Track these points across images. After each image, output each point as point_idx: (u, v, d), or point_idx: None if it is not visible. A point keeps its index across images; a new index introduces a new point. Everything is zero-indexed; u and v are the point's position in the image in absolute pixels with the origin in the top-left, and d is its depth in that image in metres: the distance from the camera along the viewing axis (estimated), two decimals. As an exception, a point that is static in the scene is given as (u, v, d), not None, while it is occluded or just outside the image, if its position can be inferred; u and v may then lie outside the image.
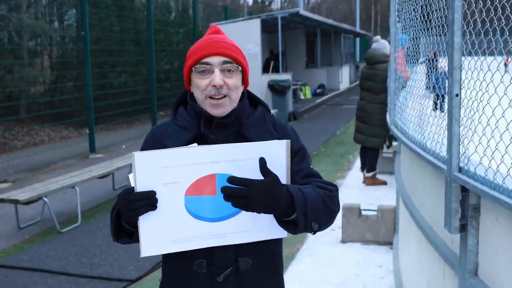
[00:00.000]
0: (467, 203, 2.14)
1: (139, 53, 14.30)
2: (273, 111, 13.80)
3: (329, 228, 5.81)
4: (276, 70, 16.41)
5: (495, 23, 1.99)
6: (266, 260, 1.82)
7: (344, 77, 25.34)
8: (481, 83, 2.10)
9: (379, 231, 5.34)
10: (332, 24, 21.99)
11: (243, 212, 1.61)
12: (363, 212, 5.48)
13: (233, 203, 1.52)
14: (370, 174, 7.64)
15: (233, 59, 1.75)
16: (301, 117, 16.01)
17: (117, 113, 12.78)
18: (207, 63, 1.72)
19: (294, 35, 22.37)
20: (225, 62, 1.73)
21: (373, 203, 6.57)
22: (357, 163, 9.07)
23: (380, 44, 7.51)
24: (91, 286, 4.60)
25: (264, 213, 1.56)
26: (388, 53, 7.11)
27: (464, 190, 2.15)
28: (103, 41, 13.47)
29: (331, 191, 1.72)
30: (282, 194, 1.55)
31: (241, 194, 1.51)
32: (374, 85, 7.38)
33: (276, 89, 15.00)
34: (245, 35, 15.57)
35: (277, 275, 1.88)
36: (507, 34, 1.92)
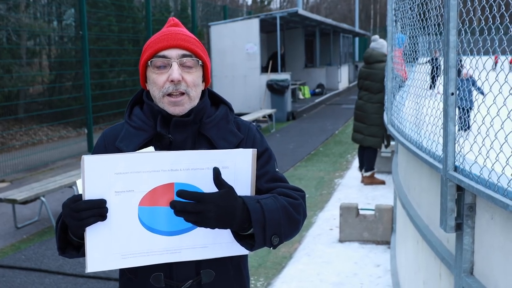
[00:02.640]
0: (463, 202, 2.14)
1: (138, 52, 14.28)
2: (271, 111, 13.80)
3: (327, 227, 5.80)
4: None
5: (489, 21, 1.98)
6: (231, 272, 1.68)
7: (343, 77, 25.34)
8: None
9: (376, 230, 5.33)
10: (331, 23, 21.98)
11: None
12: (361, 212, 5.48)
13: (184, 218, 1.39)
14: (368, 174, 7.63)
15: (192, 52, 1.60)
16: (300, 116, 16.00)
17: (115, 113, 12.77)
18: (164, 57, 1.58)
19: (293, 34, 22.36)
20: (184, 56, 1.59)
21: (371, 203, 6.57)
22: (356, 162, 9.07)
23: (378, 44, 7.51)
24: (88, 285, 4.59)
25: (219, 228, 1.43)
26: (386, 52, 7.11)
27: (460, 189, 2.15)
28: (101, 41, 13.47)
29: (296, 198, 1.59)
30: (237, 208, 1.41)
31: (192, 209, 1.37)
32: (372, 84, 7.38)
33: (275, 88, 15.00)
34: (244, 35, 15.57)
35: (243, 287, 1.75)
36: (502, 32, 1.92)
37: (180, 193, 1.38)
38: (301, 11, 16.85)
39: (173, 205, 1.38)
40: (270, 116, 13.64)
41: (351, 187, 7.62)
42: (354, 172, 8.52)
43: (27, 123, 12.06)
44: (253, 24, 15.55)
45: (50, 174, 8.58)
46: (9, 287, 4.60)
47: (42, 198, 5.98)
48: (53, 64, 13.81)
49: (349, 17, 53.65)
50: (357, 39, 36.28)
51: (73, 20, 13.56)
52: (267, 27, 18.25)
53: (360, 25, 43.06)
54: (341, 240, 5.42)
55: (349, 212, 5.37)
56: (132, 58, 14.07)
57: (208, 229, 1.46)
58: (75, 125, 12.47)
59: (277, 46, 16.65)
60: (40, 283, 4.66)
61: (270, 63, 16.31)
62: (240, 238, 1.50)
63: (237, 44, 15.59)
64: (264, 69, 16.47)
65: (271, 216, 1.45)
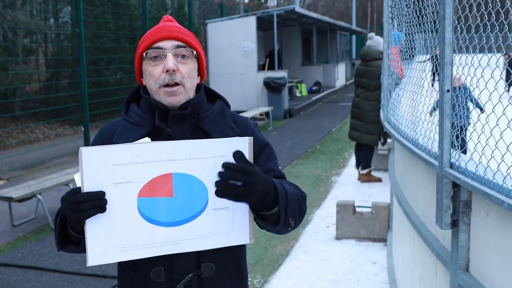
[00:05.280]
0: (458, 199, 2.14)
1: (134, 50, 14.15)
2: (268, 109, 13.78)
3: (324, 225, 5.79)
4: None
5: (485, 18, 1.99)
6: (230, 266, 1.69)
7: (340, 75, 25.34)
8: (471, 78, 2.09)
9: (373, 228, 5.34)
10: (328, 21, 21.96)
11: (202, 215, 1.50)
12: (358, 209, 5.48)
13: (230, 190, 1.41)
14: (365, 171, 7.64)
15: (187, 43, 1.63)
16: (297, 114, 15.99)
17: (112, 111, 12.75)
18: (159, 48, 1.59)
19: (290, 32, 22.34)
20: (178, 46, 1.60)
21: (367, 200, 6.58)
22: (352, 160, 9.08)
23: (374, 41, 7.51)
24: (84, 283, 4.59)
25: (253, 204, 1.47)
26: (382, 49, 7.11)
27: (456, 186, 2.15)
28: (98, 39, 13.44)
29: (302, 192, 1.67)
30: (270, 185, 1.48)
31: (242, 180, 1.40)
32: (369, 82, 7.38)
33: (272, 86, 14.98)
34: (241, 33, 15.55)
35: (242, 280, 1.76)
36: (497, 29, 1.92)
37: (228, 166, 1.41)
38: (298, 9, 16.83)
39: (221, 174, 1.40)
40: (267, 113, 13.63)
41: (347, 185, 7.62)
42: (350, 170, 8.52)
43: (23, 121, 12.03)
44: (250, 22, 15.53)
45: (47, 172, 8.56)
46: (5, 285, 4.59)
47: (39, 196, 5.97)
48: (50, 62, 13.77)
49: (346, 15, 53.61)
50: (354, 37, 36.26)
51: (70, 17, 13.52)
52: (264, 25, 18.23)
53: (357, 23, 43.05)
54: (337, 238, 5.43)
55: (345, 210, 5.37)
56: (128, 56, 14.04)
57: (208, 218, 1.49)
58: (72, 123, 12.44)
59: (274, 43, 16.63)
60: (37, 281, 4.65)
61: (267, 60, 16.30)
62: (260, 217, 1.54)
63: (234, 41, 15.57)
64: (261, 67, 16.46)
65: (291, 199, 1.53)
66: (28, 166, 9.46)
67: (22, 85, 12.28)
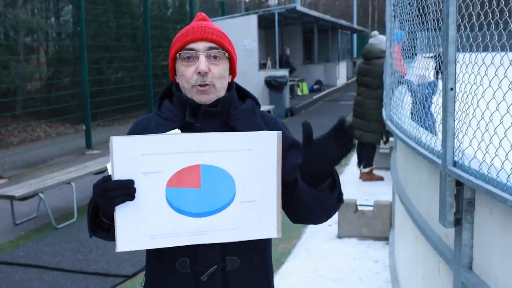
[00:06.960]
0: (462, 197, 2.13)
1: (135, 49, 14.25)
2: (270, 107, 13.78)
3: (325, 223, 5.79)
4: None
5: (489, 16, 1.98)
6: (255, 260, 1.71)
7: (341, 73, 25.33)
8: (475, 76, 2.09)
9: (375, 226, 5.34)
10: (329, 20, 21.96)
11: (229, 208, 1.52)
12: (360, 208, 5.48)
13: (343, 142, 1.55)
14: (366, 170, 7.63)
15: (219, 45, 1.66)
16: (298, 113, 15.99)
17: (113, 109, 12.75)
18: (192, 49, 1.64)
19: (291, 31, 22.33)
20: (210, 48, 1.64)
21: (369, 199, 6.57)
22: (354, 158, 9.06)
23: (377, 39, 7.50)
24: (87, 282, 4.59)
25: (337, 163, 1.57)
26: (385, 48, 7.11)
27: (459, 184, 2.14)
28: (99, 37, 13.43)
29: None
30: None
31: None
32: (371, 80, 7.37)
33: (273, 85, 14.97)
34: (242, 31, 15.54)
35: (266, 277, 1.78)
36: (501, 27, 1.92)
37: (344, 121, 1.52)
38: (299, 8, 16.83)
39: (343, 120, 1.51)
40: (268, 112, 13.60)
41: (349, 183, 7.61)
42: (352, 168, 8.51)
43: (25, 119, 12.02)
44: (251, 21, 15.53)
45: (48, 171, 8.56)
46: (7, 284, 4.60)
47: (41, 195, 5.97)
48: (51, 61, 13.77)
49: (347, 14, 53.56)
50: (355, 35, 36.24)
51: (71, 16, 13.51)
52: (265, 24, 18.23)
53: (358, 22, 42.95)
54: (339, 236, 5.43)
55: (347, 208, 5.37)
56: (130, 55, 14.04)
57: (236, 210, 1.52)
58: (73, 122, 12.43)
59: (275, 42, 16.62)
60: (39, 279, 4.65)
61: (268, 59, 16.30)
62: (316, 188, 1.61)
63: (235, 40, 15.25)
64: (262, 66, 16.46)
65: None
66: (30, 164, 9.46)
67: (23, 84, 12.28)
